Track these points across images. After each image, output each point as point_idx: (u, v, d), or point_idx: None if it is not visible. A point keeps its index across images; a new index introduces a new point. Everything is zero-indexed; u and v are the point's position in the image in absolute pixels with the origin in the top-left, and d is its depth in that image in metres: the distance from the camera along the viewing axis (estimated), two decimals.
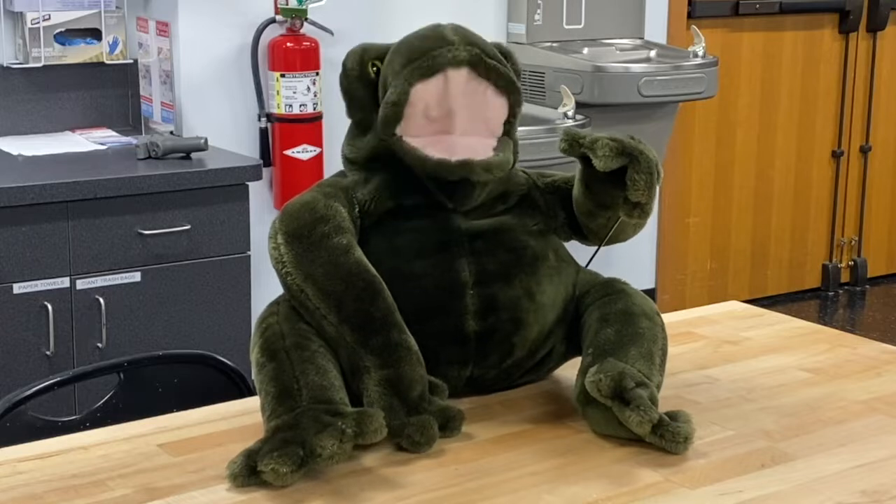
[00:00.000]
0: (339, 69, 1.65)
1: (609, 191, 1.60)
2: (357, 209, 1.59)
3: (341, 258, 1.51)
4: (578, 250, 1.72)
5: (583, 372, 1.55)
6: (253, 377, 1.53)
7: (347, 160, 1.65)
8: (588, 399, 1.52)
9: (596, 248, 1.70)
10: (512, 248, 1.61)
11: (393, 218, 1.60)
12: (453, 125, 1.55)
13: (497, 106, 1.58)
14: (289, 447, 1.37)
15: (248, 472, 1.38)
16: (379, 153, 1.60)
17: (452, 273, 1.57)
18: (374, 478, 1.42)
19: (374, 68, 1.60)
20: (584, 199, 1.64)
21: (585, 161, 1.60)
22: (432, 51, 1.55)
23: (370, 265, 1.52)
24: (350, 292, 1.49)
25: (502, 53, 1.62)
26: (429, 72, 1.54)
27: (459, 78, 1.54)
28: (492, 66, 1.56)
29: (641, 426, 1.46)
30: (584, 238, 1.71)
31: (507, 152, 1.58)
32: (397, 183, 1.60)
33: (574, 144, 1.58)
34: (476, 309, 1.57)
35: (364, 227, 1.59)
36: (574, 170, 1.69)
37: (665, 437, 1.47)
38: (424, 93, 1.54)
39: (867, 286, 5.61)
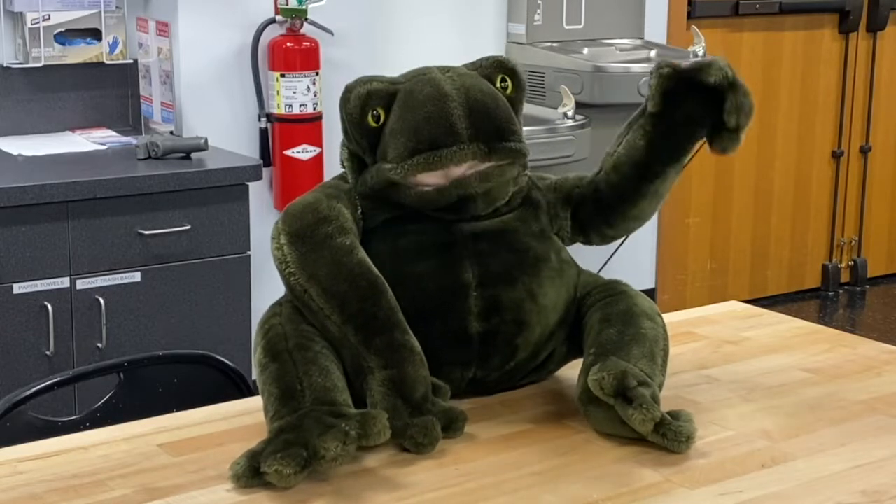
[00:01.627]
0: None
1: (683, 132, 1.65)
2: (359, 210, 1.59)
3: (345, 258, 1.51)
4: (579, 253, 1.72)
5: (585, 371, 1.55)
6: (256, 378, 1.53)
7: (344, 168, 1.64)
8: (590, 398, 1.52)
9: (613, 227, 1.70)
10: (514, 249, 1.61)
11: (395, 220, 1.59)
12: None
13: None
14: (292, 448, 1.37)
15: (252, 473, 1.38)
16: (375, 184, 1.59)
17: (455, 275, 1.57)
18: (375, 478, 1.42)
19: (375, 116, 1.56)
20: (646, 154, 1.65)
21: (665, 103, 1.61)
22: (440, 146, 1.51)
23: (373, 266, 1.52)
24: (353, 293, 1.49)
25: (506, 70, 1.61)
26: (434, 167, 1.52)
27: (463, 166, 1.54)
28: (497, 148, 1.54)
29: (644, 425, 1.47)
30: (587, 238, 1.71)
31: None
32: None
33: (673, 75, 1.61)
34: (479, 310, 1.57)
35: (366, 229, 1.59)
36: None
37: (667, 437, 1.47)
38: (426, 178, 1.54)
39: (867, 286, 5.62)
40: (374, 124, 1.56)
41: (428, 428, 1.47)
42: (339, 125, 1.61)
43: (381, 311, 1.49)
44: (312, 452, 1.37)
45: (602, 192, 1.68)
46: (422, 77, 1.57)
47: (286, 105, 3.78)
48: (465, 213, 1.59)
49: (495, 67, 1.62)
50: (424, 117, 1.53)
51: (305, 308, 1.52)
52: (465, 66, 1.63)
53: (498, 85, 1.60)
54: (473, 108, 1.53)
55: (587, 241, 1.72)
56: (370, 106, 1.56)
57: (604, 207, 1.68)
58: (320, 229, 1.52)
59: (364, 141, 1.58)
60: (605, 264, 1.70)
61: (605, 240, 1.73)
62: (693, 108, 1.62)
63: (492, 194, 1.59)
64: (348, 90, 1.58)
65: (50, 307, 3.17)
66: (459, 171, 1.53)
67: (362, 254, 1.52)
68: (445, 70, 1.59)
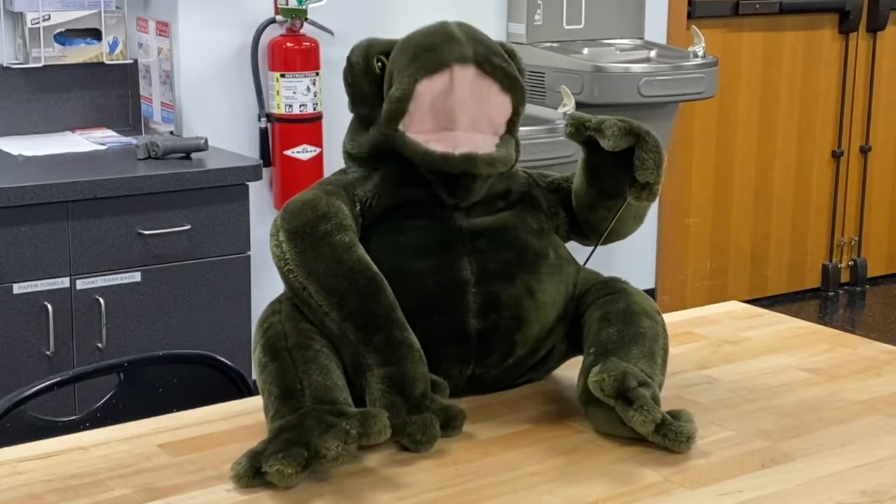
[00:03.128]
0: (340, 69, 1.65)
1: (614, 176, 1.61)
2: (358, 207, 1.59)
3: (344, 255, 1.51)
4: (578, 250, 1.72)
5: (585, 371, 1.55)
6: (255, 377, 1.53)
7: (349, 155, 1.65)
8: (590, 398, 1.52)
9: (595, 241, 1.70)
10: (513, 246, 1.62)
11: (394, 216, 1.60)
12: (457, 122, 1.55)
13: (501, 104, 1.58)
14: (293, 448, 1.37)
15: (253, 472, 1.38)
16: (380, 148, 1.60)
17: (454, 271, 1.57)
18: (375, 477, 1.42)
19: (379, 63, 1.60)
20: (586, 190, 1.65)
21: (590, 147, 1.61)
22: (438, 47, 1.55)
23: (372, 263, 1.52)
24: (353, 289, 1.49)
25: (506, 52, 1.63)
26: (434, 68, 1.54)
27: (465, 75, 1.55)
28: (497, 64, 1.57)
29: (645, 425, 1.47)
30: (584, 237, 1.71)
31: (510, 149, 1.58)
32: (398, 178, 1.60)
33: (580, 128, 1.59)
34: (478, 307, 1.58)
35: (365, 226, 1.59)
36: (573, 170, 1.69)
37: (668, 437, 1.47)
38: (429, 89, 1.54)
39: (867, 286, 5.62)
40: (378, 71, 1.60)
41: (427, 425, 1.47)
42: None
43: (380, 308, 1.49)
44: (313, 452, 1.37)
45: (574, 211, 1.69)
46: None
47: (286, 105, 3.78)
48: (465, 194, 1.59)
49: None
50: (425, 32, 1.59)
51: (304, 305, 1.52)
52: None
53: None
54: (474, 33, 1.59)
55: (583, 240, 1.72)
56: (373, 52, 1.61)
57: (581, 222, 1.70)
58: (319, 226, 1.52)
59: (372, 89, 1.60)
60: (585, 262, 1.70)
61: (600, 235, 1.73)
62: (614, 153, 1.59)
63: (490, 181, 1.59)
64: (350, 50, 1.63)
65: (50, 307, 3.17)
66: (464, 75, 1.54)
67: (361, 251, 1.53)
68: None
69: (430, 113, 1.55)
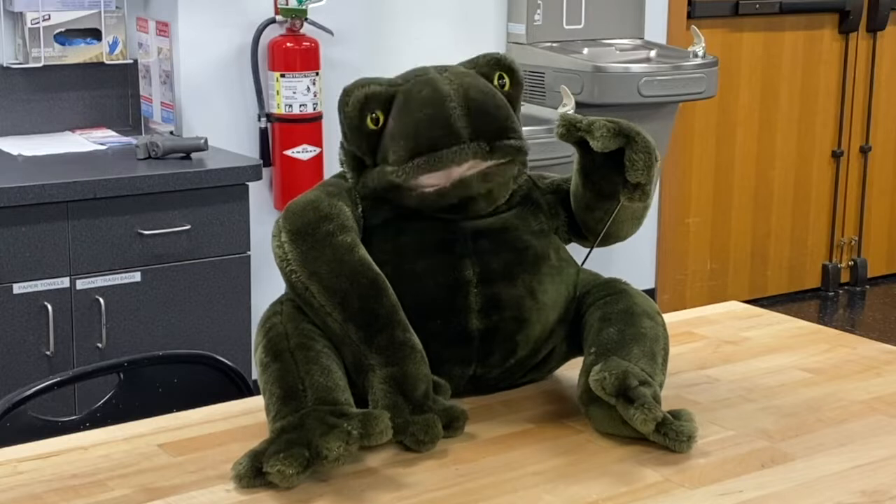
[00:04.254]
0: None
1: (608, 177, 1.60)
2: (360, 208, 1.59)
3: (346, 256, 1.51)
4: (578, 252, 1.72)
5: (586, 371, 1.55)
6: (256, 377, 1.53)
7: (343, 169, 1.65)
8: (591, 398, 1.52)
9: (593, 243, 1.70)
10: (514, 247, 1.61)
11: (395, 218, 1.60)
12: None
13: None
14: (294, 449, 1.37)
15: (254, 473, 1.38)
16: (376, 184, 1.59)
17: (456, 272, 1.57)
18: (376, 478, 1.42)
19: (374, 119, 1.56)
20: (582, 191, 1.64)
21: (583, 147, 1.61)
22: (440, 147, 1.51)
23: (374, 264, 1.52)
24: (355, 290, 1.49)
25: (504, 68, 1.61)
26: (435, 169, 1.52)
27: (464, 166, 1.54)
28: (498, 146, 1.54)
29: (646, 424, 1.47)
30: (583, 239, 1.71)
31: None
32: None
33: (571, 129, 1.58)
34: (479, 308, 1.58)
35: (367, 227, 1.59)
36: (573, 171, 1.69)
37: (669, 436, 1.47)
38: (427, 179, 1.54)
39: (867, 286, 5.61)
40: (373, 127, 1.56)
41: (429, 426, 1.47)
42: (339, 126, 1.61)
43: (382, 309, 1.49)
44: (315, 453, 1.37)
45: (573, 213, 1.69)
46: (420, 78, 1.57)
47: (286, 105, 3.78)
48: (467, 213, 1.59)
49: (492, 65, 1.62)
50: (423, 119, 1.53)
51: (306, 306, 1.52)
52: (463, 63, 1.63)
53: (496, 82, 1.61)
54: (472, 108, 1.53)
55: (584, 241, 1.72)
56: (368, 109, 1.56)
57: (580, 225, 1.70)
58: (321, 227, 1.52)
59: (363, 144, 1.58)
60: (582, 262, 1.70)
61: (597, 237, 1.73)
62: (606, 153, 1.59)
63: (493, 194, 1.60)
64: (346, 93, 1.58)
65: (50, 307, 3.17)
66: (460, 171, 1.53)
67: (363, 251, 1.53)
68: (443, 70, 1.58)
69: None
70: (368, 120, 1.56)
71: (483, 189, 1.57)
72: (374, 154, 1.58)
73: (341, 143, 1.63)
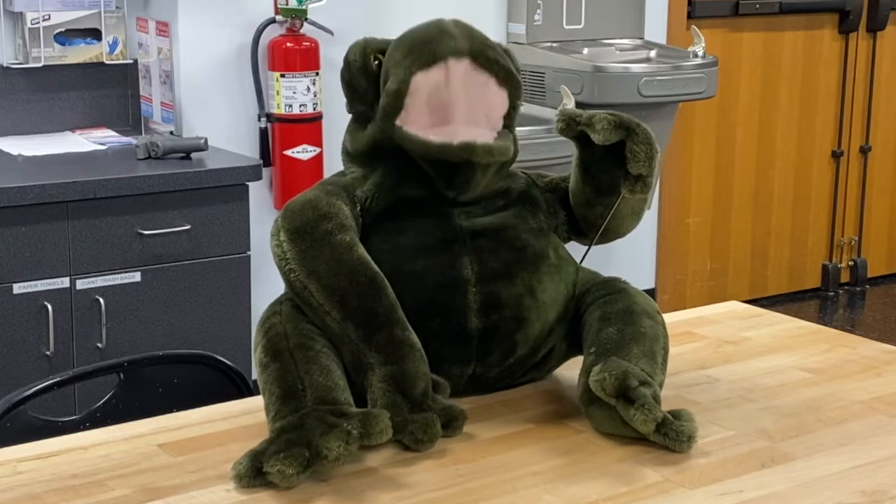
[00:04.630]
0: (339, 69, 1.66)
1: (608, 171, 1.61)
2: (358, 207, 1.59)
3: (345, 255, 1.51)
4: (577, 251, 1.72)
5: (586, 371, 1.55)
6: (256, 377, 1.53)
7: (347, 154, 1.66)
8: (591, 398, 1.52)
9: (593, 237, 1.70)
10: (513, 246, 1.62)
11: (394, 216, 1.60)
12: (453, 116, 1.56)
13: (497, 98, 1.59)
14: (294, 448, 1.37)
15: (254, 473, 1.38)
16: (379, 145, 1.60)
17: (454, 271, 1.58)
18: (376, 478, 1.42)
19: (377, 61, 1.61)
20: (582, 187, 1.65)
21: (583, 142, 1.61)
22: (433, 41, 1.56)
23: (372, 262, 1.52)
24: (354, 289, 1.50)
25: (503, 51, 1.63)
26: (430, 61, 1.55)
27: (460, 68, 1.55)
28: (493, 57, 1.58)
29: (646, 425, 1.47)
30: (583, 237, 1.71)
31: (508, 142, 1.59)
32: (397, 176, 1.60)
33: (571, 123, 1.59)
34: (478, 307, 1.58)
35: (365, 226, 1.59)
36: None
37: (669, 436, 1.47)
38: (425, 82, 1.55)
39: (867, 286, 5.62)
40: (375, 67, 1.61)
41: (428, 424, 1.47)
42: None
43: (381, 308, 1.50)
44: (315, 452, 1.37)
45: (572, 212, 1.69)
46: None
47: (286, 105, 3.78)
48: (460, 190, 1.59)
49: None
50: (420, 29, 1.60)
51: (305, 305, 1.52)
52: None
53: None
54: (470, 29, 1.59)
55: (584, 239, 1.72)
56: (370, 50, 1.62)
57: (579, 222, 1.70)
58: (320, 226, 1.52)
59: (369, 87, 1.61)
60: (581, 259, 1.70)
61: (598, 231, 1.73)
62: (606, 147, 1.60)
63: (488, 172, 1.60)
64: (348, 50, 1.64)
65: (50, 307, 3.17)
66: (460, 69, 1.54)
67: (362, 250, 1.53)
68: None
69: (426, 107, 1.56)
70: (371, 60, 1.61)
71: (484, 161, 1.57)
72: (377, 104, 1.59)
73: (347, 106, 1.64)
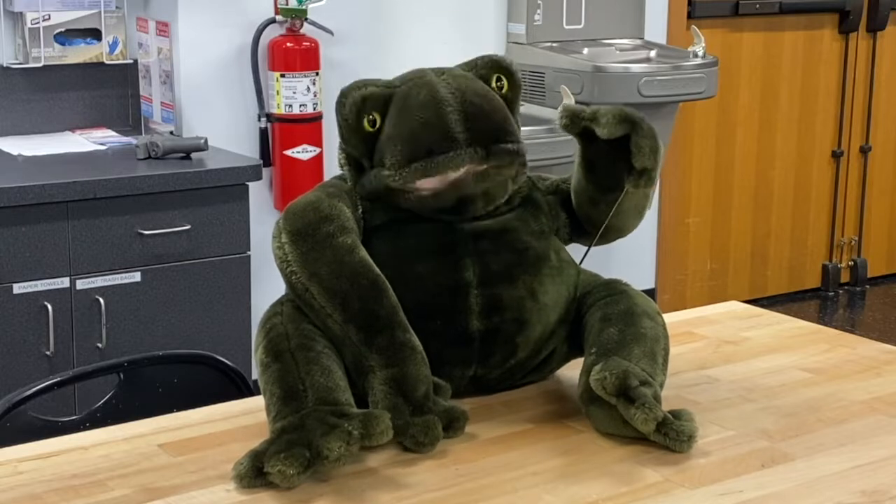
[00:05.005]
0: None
1: (611, 168, 1.61)
2: (360, 210, 1.59)
3: (346, 257, 1.51)
4: (577, 253, 1.72)
5: (586, 371, 1.55)
6: (257, 377, 1.53)
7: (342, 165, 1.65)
8: (592, 397, 1.52)
9: (595, 235, 1.69)
10: (515, 248, 1.61)
11: (395, 219, 1.60)
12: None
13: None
14: (295, 449, 1.37)
15: (255, 473, 1.38)
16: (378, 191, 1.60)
17: (456, 273, 1.57)
18: (376, 478, 1.42)
19: (371, 121, 1.56)
20: (585, 185, 1.64)
21: (586, 139, 1.60)
22: (436, 152, 1.51)
23: (374, 265, 1.52)
24: (355, 291, 1.49)
25: (502, 70, 1.61)
26: (431, 174, 1.52)
27: (461, 171, 1.53)
28: (495, 151, 1.53)
29: (646, 424, 1.47)
30: (586, 237, 1.71)
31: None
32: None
33: (575, 119, 1.59)
34: (480, 309, 1.58)
35: (367, 229, 1.59)
36: (573, 171, 1.69)
37: (669, 436, 1.47)
38: (424, 183, 1.54)
39: (867, 286, 5.61)
40: (370, 129, 1.56)
41: (429, 427, 1.47)
42: (337, 127, 1.61)
43: (382, 310, 1.49)
44: (316, 453, 1.37)
45: (574, 211, 1.69)
46: (417, 81, 1.56)
47: (286, 105, 3.78)
48: (464, 214, 1.59)
49: (490, 67, 1.62)
50: (420, 123, 1.52)
51: (307, 306, 1.52)
52: (461, 65, 1.62)
53: (493, 84, 1.60)
54: (469, 112, 1.53)
55: (586, 240, 1.72)
56: (366, 111, 1.56)
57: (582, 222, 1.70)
58: (322, 228, 1.52)
59: (361, 146, 1.58)
60: (582, 259, 1.70)
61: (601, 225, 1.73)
62: (610, 143, 1.59)
63: (490, 193, 1.60)
64: (343, 95, 1.58)
65: (50, 307, 3.17)
66: (457, 175, 1.53)
67: (363, 253, 1.53)
68: (440, 72, 1.58)
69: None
70: (365, 122, 1.56)
71: (479, 189, 1.57)
72: (372, 156, 1.57)
73: (340, 145, 1.63)
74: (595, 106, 1.59)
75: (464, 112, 1.52)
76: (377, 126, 1.56)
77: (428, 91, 1.54)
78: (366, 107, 1.56)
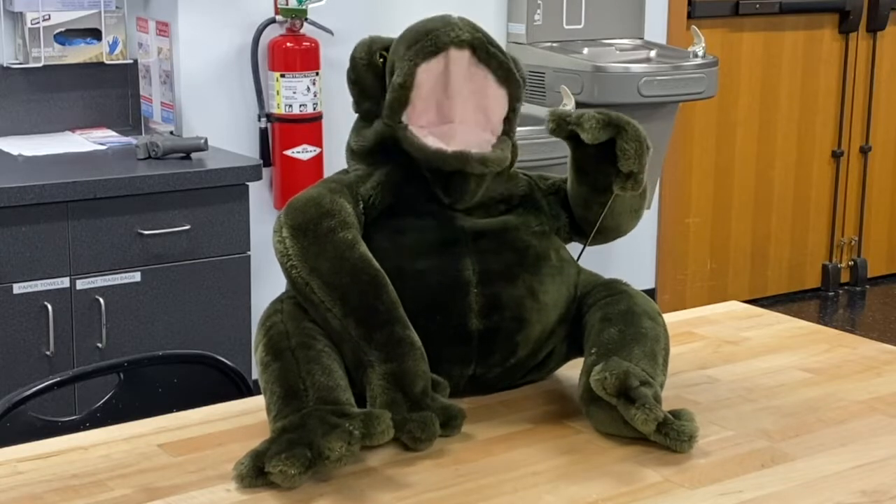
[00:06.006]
0: (340, 69, 1.66)
1: (602, 170, 1.61)
2: (361, 205, 1.59)
3: (347, 252, 1.51)
4: (577, 252, 1.72)
5: (587, 371, 1.55)
6: (257, 376, 1.53)
7: (352, 151, 1.66)
8: (592, 397, 1.52)
9: (588, 236, 1.70)
10: (515, 247, 1.62)
11: (396, 215, 1.60)
12: (454, 110, 1.56)
13: (497, 97, 1.59)
14: (296, 449, 1.37)
15: (256, 473, 1.38)
16: (384, 142, 1.61)
17: (456, 272, 1.58)
18: (376, 477, 1.42)
19: (382, 58, 1.62)
20: (578, 187, 1.65)
21: (575, 142, 1.61)
22: (435, 31, 1.57)
23: (374, 260, 1.52)
24: (355, 286, 1.50)
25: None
26: (432, 50, 1.56)
27: (461, 59, 1.56)
28: (493, 52, 1.58)
29: (647, 424, 1.47)
30: (585, 237, 1.71)
31: (506, 150, 1.59)
32: (399, 175, 1.61)
33: (561, 123, 1.59)
34: (479, 307, 1.58)
35: (367, 225, 1.59)
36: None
37: (670, 436, 1.47)
38: (428, 73, 1.55)
39: (867, 286, 5.61)
40: (381, 64, 1.62)
41: (426, 423, 1.47)
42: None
43: (382, 306, 1.50)
44: (317, 453, 1.37)
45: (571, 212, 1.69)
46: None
47: (286, 105, 3.78)
48: (455, 197, 1.59)
49: None
50: (422, 22, 1.60)
51: (306, 301, 1.52)
52: None
53: None
54: (473, 23, 1.59)
55: (585, 240, 1.72)
56: (375, 47, 1.62)
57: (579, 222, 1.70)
58: (322, 223, 1.52)
59: (375, 83, 1.61)
60: (578, 257, 1.70)
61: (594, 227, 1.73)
62: (597, 147, 1.60)
63: (483, 181, 1.60)
64: (354, 48, 1.64)
65: (50, 307, 3.17)
66: (460, 59, 1.55)
67: (364, 248, 1.53)
68: None
69: (430, 102, 1.56)
70: (376, 57, 1.62)
71: (477, 171, 1.57)
72: (383, 101, 1.60)
73: (352, 131, 1.64)
74: (581, 110, 1.59)
75: (470, 24, 1.59)
76: (386, 62, 1.61)
77: (436, 15, 1.61)
78: (375, 45, 1.63)
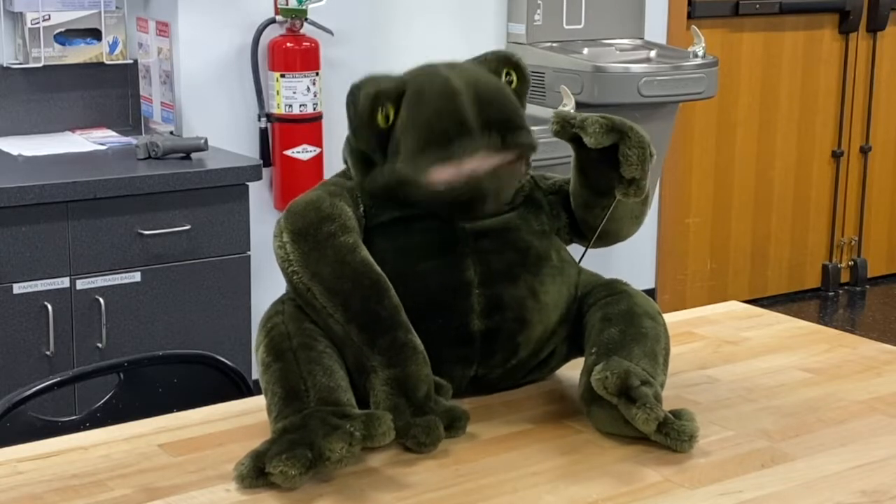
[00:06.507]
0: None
1: (604, 174, 1.60)
2: (361, 208, 1.59)
3: (348, 257, 1.51)
4: (578, 252, 1.72)
5: (587, 371, 1.55)
6: (258, 377, 1.53)
7: (346, 162, 1.64)
8: (593, 397, 1.52)
9: (589, 240, 1.69)
10: (516, 247, 1.61)
11: (397, 218, 1.59)
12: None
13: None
14: (297, 449, 1.37)
15: (256, 473, 1.38)
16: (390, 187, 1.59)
17: (458, 272, 1.57)
18: (377, 478, 1.42)
19: (385, 115, 1.55)
20: (580, 189, 1.65)
21: (578, 144, 1.60)
22: (450, 140, 1.51)
23: (376, 264, 1.52)
24: (357, 291, 1.49)
25: (511, 65, 1.62)
26: (447, 161, 1.52)
27: (475, 160, 1.53)
28: (509, 142, 1.54)
29: (647, 424, 1.47)
30: (584, 239, 1.71)
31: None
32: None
33: (565, 125, 1.58)
34: (481, 308, 1.57)
35: (368, 228, 1.59)
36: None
37: (670, 436, 1.47)
38: (439, 173, 1.53)
39: (867, 286, 5.62)
40: (383, 124, 1.56)
41: (431, 427, 1.47)
42: (339, 125, 1.61)
43: (384, 311, 1.49)
44: (318, 454, 1.37)
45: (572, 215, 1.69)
46: (429, 73, 1.57)
47: (286, 105, 3.78)
48: (475, 213, 1.59)
49: (500, 61, 1.63)
50: (435, 112, 1.53)
51: (308, 306, 1.52)
52: (470, 60, 1.63)
53: (503, 79, 1.61)
54: (483, 101, 1.53)
55: (585, 241, 1.72)
56: (379, 104, 1.55)
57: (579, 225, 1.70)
58: (323, 227, 1.52)
59: (373, 141, 1.57)
60: (579, 261, 1.70)
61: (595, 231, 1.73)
62: (600, 150, 1.59)
63: (501, 193, 1.60)
64: (357, 88, 1.57)
65: (50, 307, 3.17)
66: (473, 163, 1.53)
67: (365, 252, 1.52)
68: (452, 66, 1.59)
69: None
70: (379, 116, 1.55)
71: (493, 186, 1.57)
72: (384, 151, 1.57)
73: (347, 141, 1.62)
74: (586, 113, 1.58)
75: (477, 100, 1.53)
76: (390, 121, 1.56)
77: (441, 82, 1.55)
78: (379, 100, 1.55)
